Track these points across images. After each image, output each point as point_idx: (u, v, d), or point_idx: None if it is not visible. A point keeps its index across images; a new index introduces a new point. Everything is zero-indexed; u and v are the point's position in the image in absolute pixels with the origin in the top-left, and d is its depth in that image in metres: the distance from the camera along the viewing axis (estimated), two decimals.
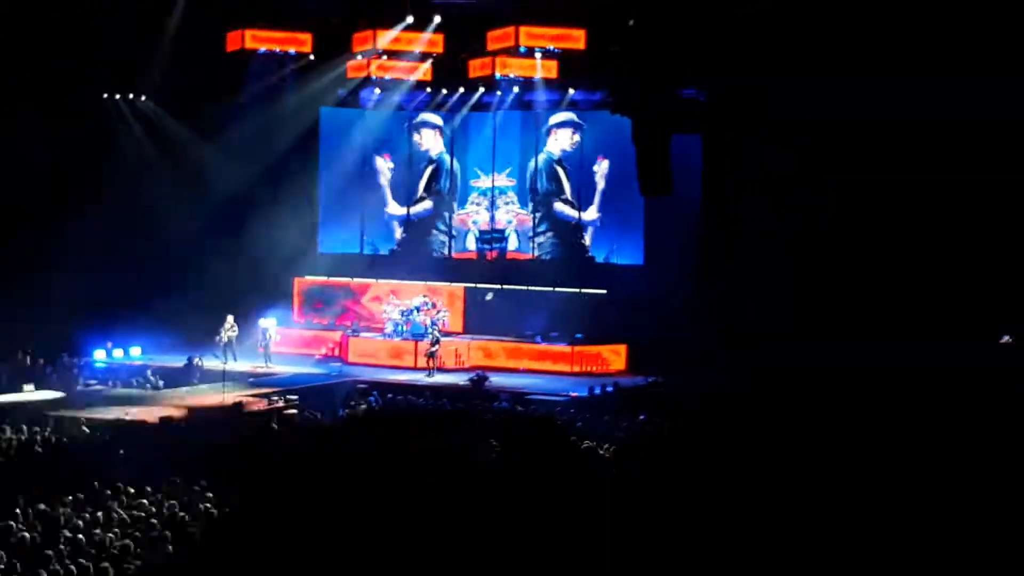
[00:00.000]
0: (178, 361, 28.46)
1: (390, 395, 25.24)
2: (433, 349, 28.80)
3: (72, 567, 11.59)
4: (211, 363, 28.08)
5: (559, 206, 33.17)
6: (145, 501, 14.37)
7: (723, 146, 27.35)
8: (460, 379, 27.50)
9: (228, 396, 23.71)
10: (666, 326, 27.98)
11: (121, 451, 17.50)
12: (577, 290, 31.19)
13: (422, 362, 29.21)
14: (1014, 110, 19.25)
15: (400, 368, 29.62)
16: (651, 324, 28.74)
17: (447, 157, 33.96)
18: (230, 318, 29.53)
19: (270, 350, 29.54)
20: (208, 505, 14.00)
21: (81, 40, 28.82)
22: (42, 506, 13.85)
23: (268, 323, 29.92)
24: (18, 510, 13.76)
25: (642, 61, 27.16)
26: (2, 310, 27.58)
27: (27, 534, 12.94)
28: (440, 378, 28.31)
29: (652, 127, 27.77)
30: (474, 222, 33.94)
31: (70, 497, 14.43)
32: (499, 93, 32.36)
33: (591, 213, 32.69)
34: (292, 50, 31.47)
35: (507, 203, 33.63)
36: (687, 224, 29.17)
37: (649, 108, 27.88)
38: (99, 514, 13.65)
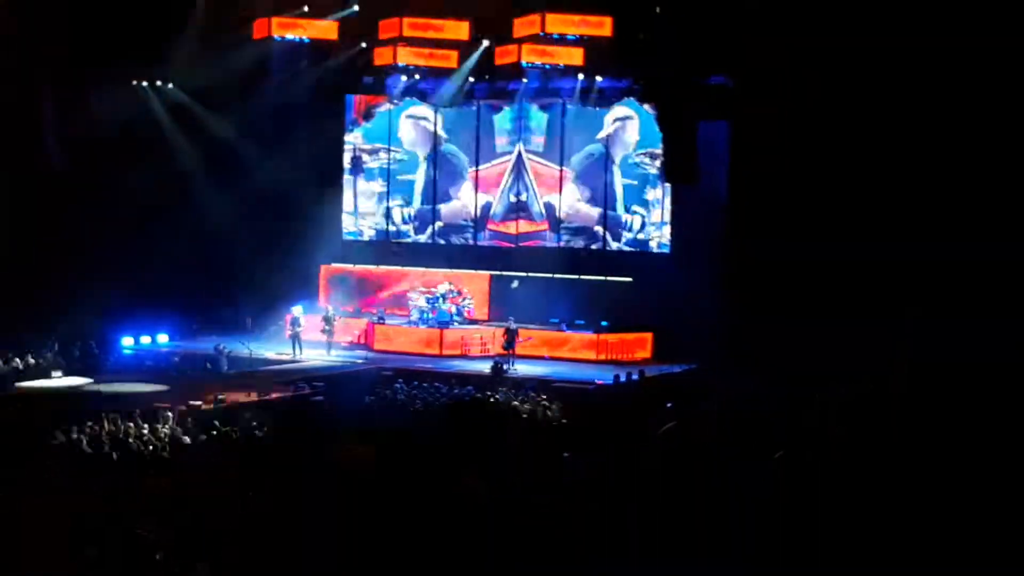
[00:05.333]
0: (204, 348, 28.57)
1: (415, 382, 25.23)
2: (509, 340, 28.64)
3: None
4: (237, 350, 28.25)
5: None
6: None
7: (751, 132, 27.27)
8: (486, 366, 27.47)
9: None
10: (692, 314, 27.88)
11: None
12: (603, 278, 31.11)
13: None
14: None
15: (426, 356, 29.61)
16: (677, 312, 28.62)
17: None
18: (298, 309, 29.76)
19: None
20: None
21: (109, 26, 28.93)
22: None
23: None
24: None
25: (669, 48, 27.12)
26: (31, 296, 27.77)
27: None
28: (467, 365, 28.32)
29: (679, 114, 27.74)
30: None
31: None
32: (525, 80, 32.22)
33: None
34: (318, 37, 31.48)
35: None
36: (714, 211, 29.03)
37: (676, 95, 27.86)
38: None
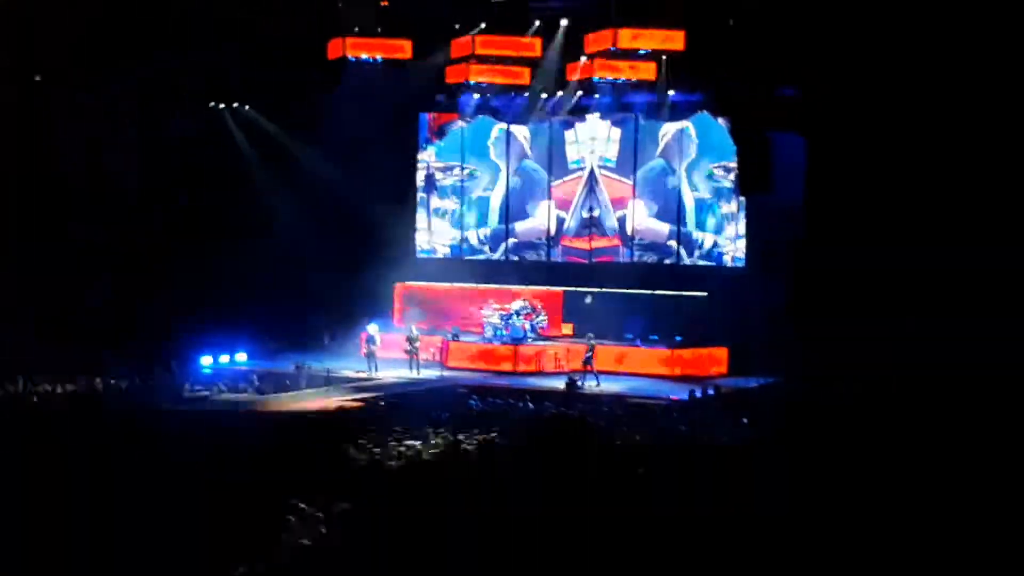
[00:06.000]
0: (282, 367, 28.85)
1: (490, 399, 25.25)
2: (588, 355, 28.60)
3: None
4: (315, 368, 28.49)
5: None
6: None
7: (825, 144, 27.02)
8: (561, 383, 27.36)
9: (331, 401, 23.98)
10: (768, 329, 27.62)
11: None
12: (677, 292, 30.92)
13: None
14: None
15: (500, 372, 29.63)
16: (753, 327, 28.37)
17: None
18: (373, 327, 29.95)
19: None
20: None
21: (182, 48, 29.39)
22: None
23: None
24: None
25: (741, 60, 27.04)
26: (112, 316, 28.24)
27: None
28: (541, 381, 28.28)
29: (751, 125, 27.63)
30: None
31: None
32: (598, 96, 32.20)
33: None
34: (392, 56, 31.70)
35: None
36: (790, 225, 28.73)
37: (748, 107, 27.75)
38: None
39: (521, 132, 34.11)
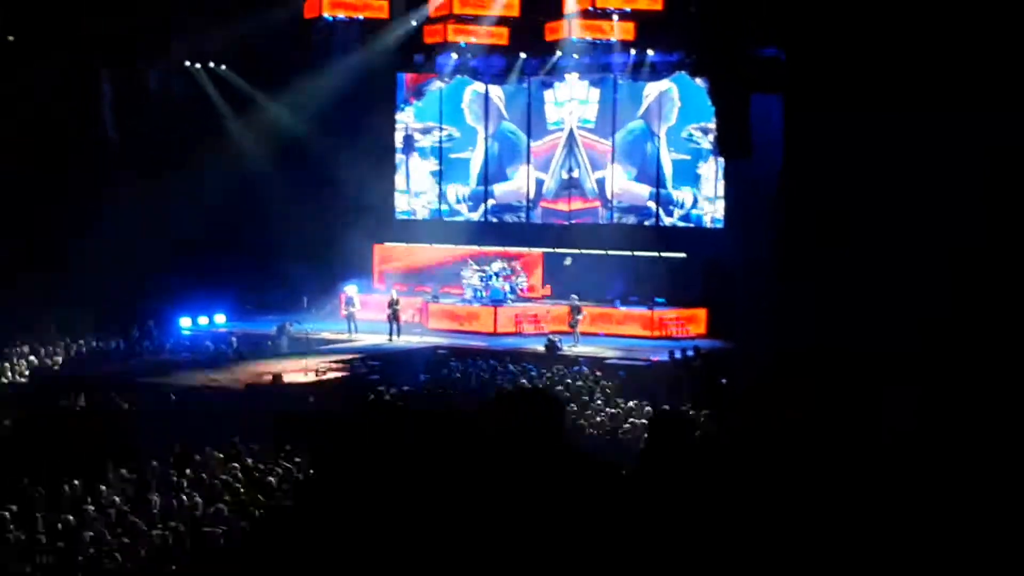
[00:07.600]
0: (261, 328, 28.77)
1: (470, 360, 25.28)
2: (577, 318, 28.56)
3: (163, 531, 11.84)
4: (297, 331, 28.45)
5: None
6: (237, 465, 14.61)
7: (805, 106, 26.87)
8: (540, 344, 27.40)
9: (310, 363, 23.96)
10: (746, 289, 27.66)
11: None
12: (656, 254, 30.96)
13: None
14: None
15: (479, 334, 29.63)
16: (731, 287, 28.43)
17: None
18: (352, 288, 29.81)
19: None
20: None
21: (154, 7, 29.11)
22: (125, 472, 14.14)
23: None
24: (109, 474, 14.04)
25: (721, 20, 26.89)
26: (89, 279, 28.06)
27: (116, 498, 13.21)
28: (521, 343, 28.31)
29: (731, 87, 27.51)
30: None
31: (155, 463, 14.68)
32: (576, 56, 32.04)
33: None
34: (370, 16, 31.38)
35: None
36: (768, 186, 28.70)
37: (727, 68, 27.61)
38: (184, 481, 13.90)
39: (496, 93, 33.96)
